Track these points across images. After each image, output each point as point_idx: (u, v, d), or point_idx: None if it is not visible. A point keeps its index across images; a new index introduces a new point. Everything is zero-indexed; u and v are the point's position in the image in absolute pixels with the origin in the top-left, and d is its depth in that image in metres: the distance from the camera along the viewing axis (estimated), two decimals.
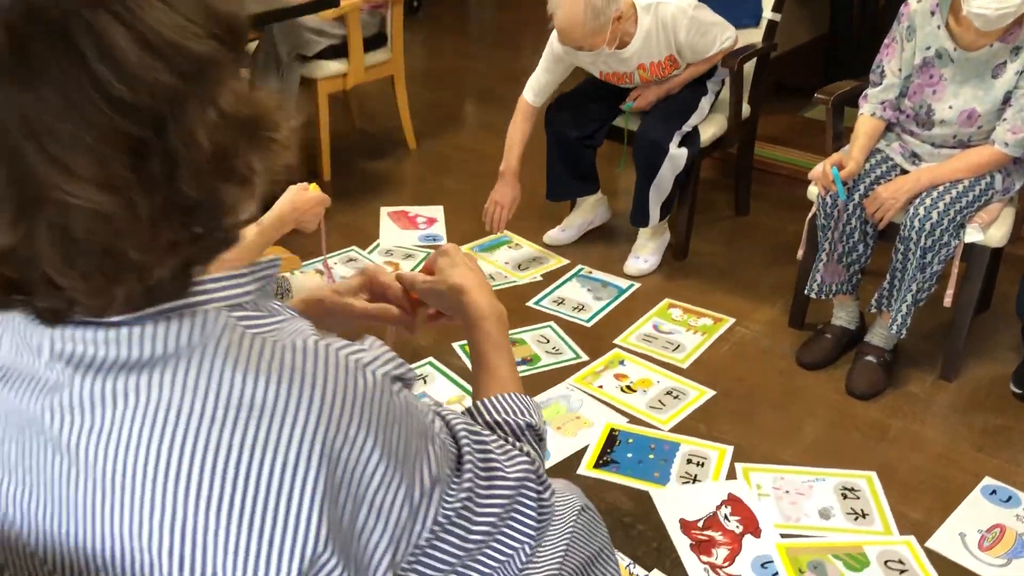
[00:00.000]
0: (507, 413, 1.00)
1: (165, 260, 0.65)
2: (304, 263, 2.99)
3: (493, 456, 0.89)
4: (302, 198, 1.79)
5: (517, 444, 0.96)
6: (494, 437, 0.92)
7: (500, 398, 1.02)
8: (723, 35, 2.81)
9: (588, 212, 3.29)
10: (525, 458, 0.92)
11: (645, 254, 3.08)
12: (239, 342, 0.71)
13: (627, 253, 3.12)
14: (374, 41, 3.71)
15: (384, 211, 3.48)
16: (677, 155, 2.82)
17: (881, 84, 2.38)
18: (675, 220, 3.14)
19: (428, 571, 0.83)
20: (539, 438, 1.01)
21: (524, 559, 0.92)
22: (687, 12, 2.72)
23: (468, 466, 0.84)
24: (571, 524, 1.23)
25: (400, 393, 0.78)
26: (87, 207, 0.59)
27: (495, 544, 0.89)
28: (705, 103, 2.89)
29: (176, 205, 0.63)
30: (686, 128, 2.85)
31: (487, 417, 1.00)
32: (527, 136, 3.01)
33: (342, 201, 3.56)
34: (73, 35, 0.57)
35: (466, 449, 0.86)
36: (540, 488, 0.92)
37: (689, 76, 2.89)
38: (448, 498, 0.81)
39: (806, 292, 2.55)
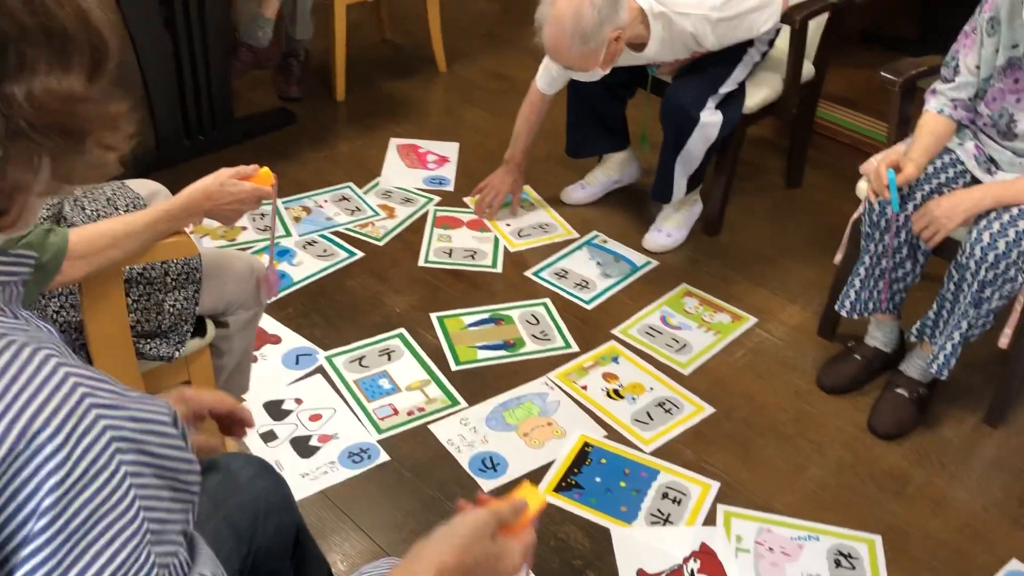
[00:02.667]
0: None
1: None
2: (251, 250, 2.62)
3: None
4: (220, 190, 1.47)
5: None
6: None
7: None
8: (761, 18, 2.36)
9: (614, 170, 2.91)
10: None
11: (669, 227, 2.72)
12: None
13: (657, 213, 2.75)
14: None
15: (393, 143, 3.15)
16: (709, 123, 2.41)
17: (954, 81, 1.94)
18: (710, 190, 2.75)
19: None
20: None
21: None
22: (710, 19, 2.27)
23: None
24: None
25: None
26: None
27: None
28: (748, 60, 2.46)
29: None
30: (724, 90, 2.43)
31: None
32: (535, 128, 2.69)
33: (351, 127, 3.25)
34: None
35: None
36: None
37: None
38: None
39: (836, 308, 2.18)
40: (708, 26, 2.29)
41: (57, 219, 1.57)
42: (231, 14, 3.08)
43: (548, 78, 2.60)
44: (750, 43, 2.45)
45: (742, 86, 2.50)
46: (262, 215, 2.70)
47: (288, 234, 2.66)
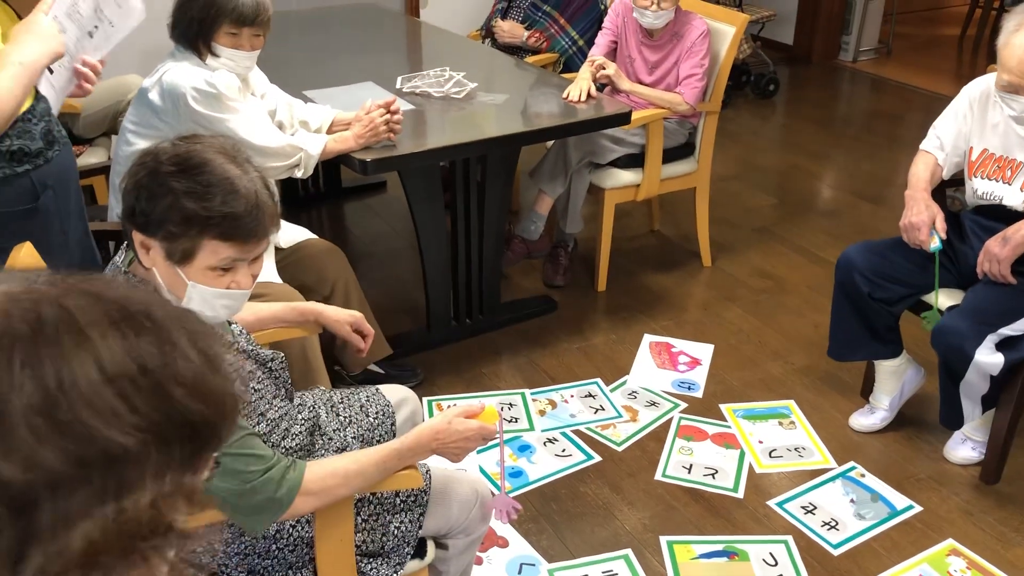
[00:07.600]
0: None
1: None
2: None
3: None
4: (448, 428, 1.52)
5: None
6: None
7: None
8: None
9: (891, 383, 2.64)
10: None
11: (977, 437, 2.47)
12: None
13: (930, 447, 2.50)
14: (680, 151, 3.41)
15: (647, 340, 3.16)
16: (987, 364, 2.19)
17: None
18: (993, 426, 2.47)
19: None
20: None
21: None
22: None
23: None
24: None
25: None
26: None
27: None
28: None
29: None
30: (1009, 332, 2.20)
31: None
32: (932, 173, 2.49)
33: (608, 318, 3.30)
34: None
35: None
36: None
37: None
38: None
39: None
40: None
41: (312, 428, 1.71)
42: (511, 207, 3.29)
43: (935, 139, 2.50)
44: None
45: None
46: (511, 404, 2.78)
47: (531, 428, 2.71)
